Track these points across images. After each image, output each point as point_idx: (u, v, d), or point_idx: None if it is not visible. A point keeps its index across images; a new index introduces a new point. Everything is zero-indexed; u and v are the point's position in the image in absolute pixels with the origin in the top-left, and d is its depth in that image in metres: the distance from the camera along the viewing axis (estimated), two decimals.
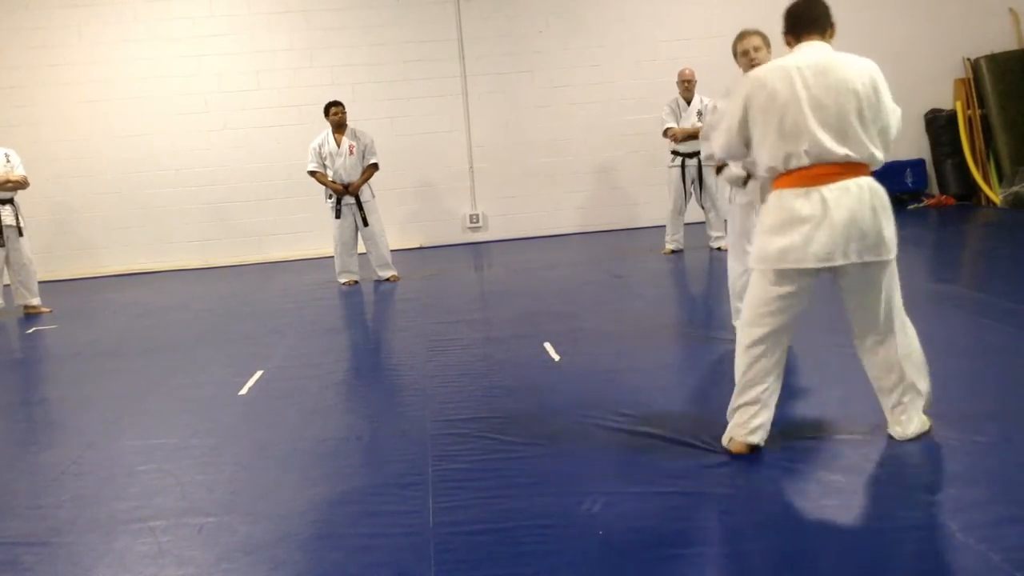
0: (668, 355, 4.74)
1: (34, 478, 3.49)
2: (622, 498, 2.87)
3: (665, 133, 8.05)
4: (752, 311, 3.08)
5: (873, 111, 2.96)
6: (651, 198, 9.76)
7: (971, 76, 10.23)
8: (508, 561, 2.50)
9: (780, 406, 3.21)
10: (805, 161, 2.93)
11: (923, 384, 3.14)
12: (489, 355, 4.96)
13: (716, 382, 4.12)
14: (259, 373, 4.88)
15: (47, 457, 3.76)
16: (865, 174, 2.99)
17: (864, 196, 2.94)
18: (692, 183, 8.09)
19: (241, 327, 6.42)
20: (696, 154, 7.94)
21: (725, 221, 8.06)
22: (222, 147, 9.89)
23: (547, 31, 10.12)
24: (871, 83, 2.98)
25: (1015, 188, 9.47)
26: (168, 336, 6.28)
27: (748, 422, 3.12)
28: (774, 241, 2.97)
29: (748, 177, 4.44)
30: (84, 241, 9.87)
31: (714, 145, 3.40)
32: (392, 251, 8.17)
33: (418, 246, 10.19)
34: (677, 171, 8.15)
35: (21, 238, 7.42)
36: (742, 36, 4.40)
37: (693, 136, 7.84)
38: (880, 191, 3.00)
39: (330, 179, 7.82)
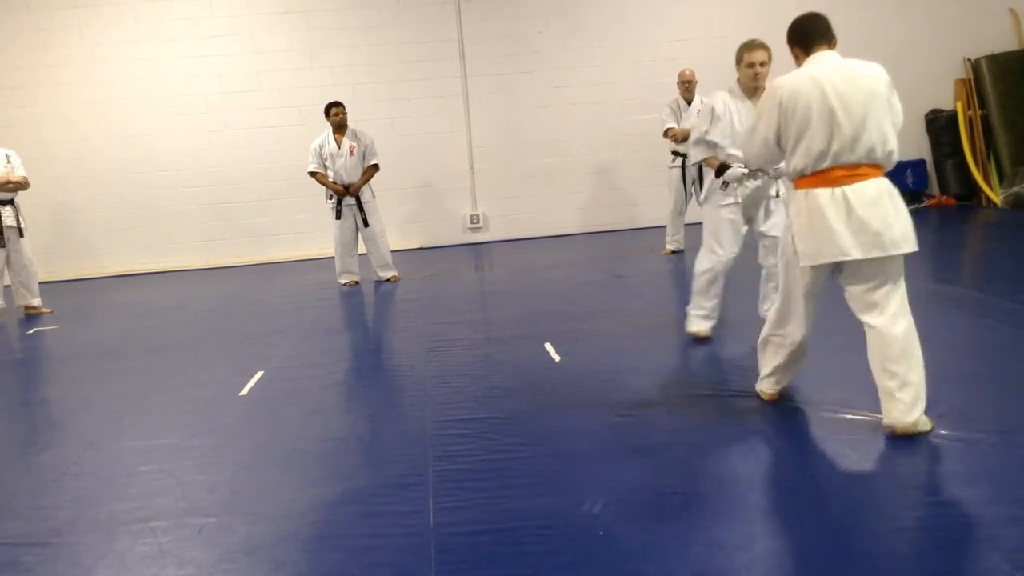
0: (668, 356, 4.73)
1: (35, 478, 3.50)
2: (623, 499, 2.87)
3: (665, 134, 8.05)
4: (786, 302, 3.43)
5: (888, 113, 3.23)
6: (651, 198, 9.78)
7: (971, 76, 10.23)
8: (509, 561, 2.50)
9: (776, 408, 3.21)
10: (832, 163, 3.16)
11: (916, 376, 3.21)
12: (489, 356, 4.96)
13: (715, 381, 4.12)
14: (260, 374, 4.88)
15: (48, 457, 3.76)
16: (882, 175, 3.25)
17: (884, 196, 3.20)
18: (692, 183, 8.08)
19: (242, 328, 6.42)
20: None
21: None
22: (223, 148, 9.89)
23: (547, 31, 10.13)
24: (887, 86, 3.25)
25: (1015, 188, 9.47)
26: (169, 336, 6.29)
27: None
28: (807, 239, 3.21)
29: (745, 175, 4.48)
30: (85, 242, 9.88)
31: (748, 155, 3.59)
32: (393, 252, 8.17)
33: (419, 247, 10.19)
34: (677, 172, 8.15)
35: (22, 239, 7.42)
36: (751, 47, 4.41)
37: None
38: (896, 191, 3.25)
39: (331, 180, 7.82)
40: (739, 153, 4.31)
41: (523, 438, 3.53)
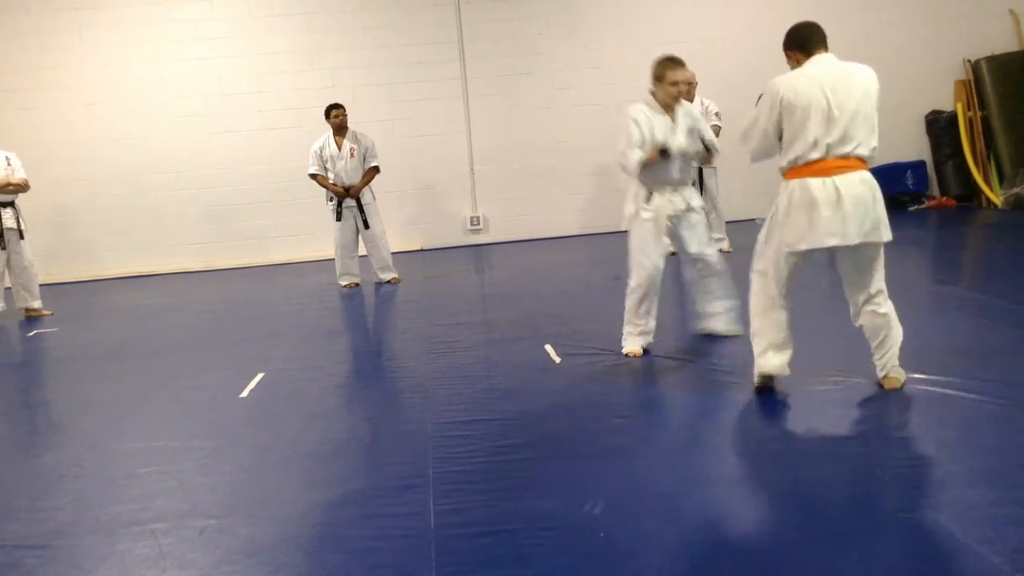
0: (668, 356, 4.73)
1: (35, 480, 3.50)
2: (624, 500, 2.87)
3: None
4: (776, 282, 3.67)
5: (874, 111, 3.50)
6: None
7: (971, 77, 10.23)
8: (509, 563, 2.50)
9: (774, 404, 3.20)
10: (825, 154, 3.45)
11: (898, 339, 3.70)
12: (490, 357, 4.96)
13: (716, 381, 4.12)
14: (260, 375, 4.88)
15: (48, 459, 3.76)
16: (866, 168, 3.53)
17: (867, 187, 3.48)
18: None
19: (242, 329, 6.42)
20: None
21: (725, 223, 8.09)
22: (223, 149, 9.90)
23: (547, 33, 10.13)
24: (875, 88, 3.51)
25: (1016, 189, 9.47)
26: (169, 338, 6.29)
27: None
28: (795, 224, 3.51)
29: (651, 193, 4.52)
30: (85, 244, 9.88)
31: (747, 145, 3.77)
32: (393, 253, 8.17)
33: (419, 248, 10.19)
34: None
35: (22, 241, 7.42)
36: (676, 66, 4.48)
37: None
38: (876, 184, 3.54)
39: (331, 182, 7.82)
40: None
41: (524, 439, 3.53)
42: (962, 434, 3.21)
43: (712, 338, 4.86)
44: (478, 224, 10.31)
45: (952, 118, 10.18)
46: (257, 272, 9.57)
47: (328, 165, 7.83)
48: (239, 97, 9.85)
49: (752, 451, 3.27)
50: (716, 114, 7.93)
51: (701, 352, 4.68)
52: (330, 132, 7.89)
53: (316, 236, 9.58)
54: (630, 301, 4.68)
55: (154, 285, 9.21)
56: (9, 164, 7.35)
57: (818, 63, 3.54)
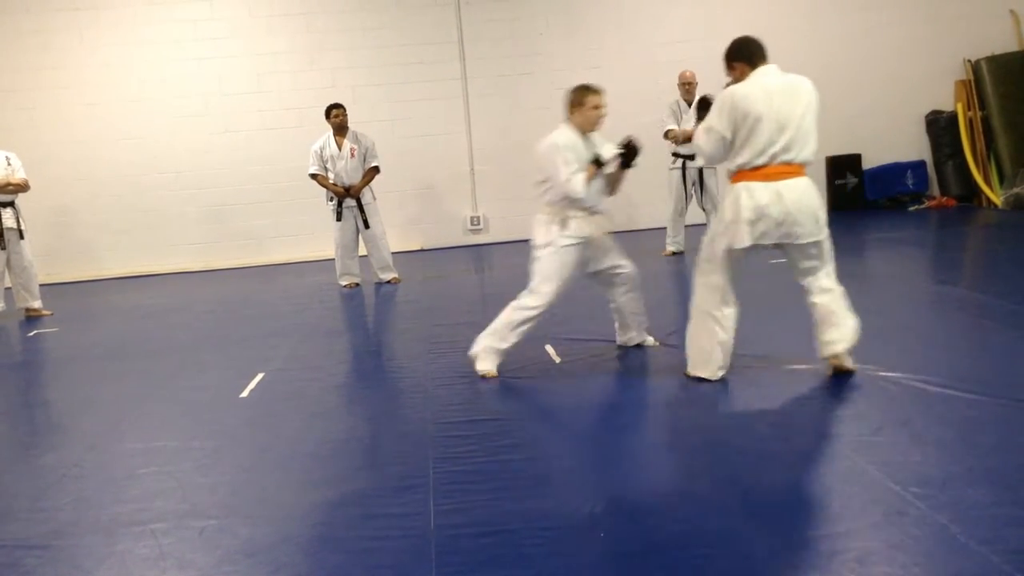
0: (668, 357, 4.73)
1: (35, 481, 3.50)
2: (624, 500, 2.87)
3: (666, 135, 8.06)
4: (721, 276, 3.91)
5: (815, 120, 3.75)
6: (651, 200, 9.76)
7: (972, 77, 10.23)
8: (510, 563, 2.50)
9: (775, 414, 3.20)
10: (770, 161, 3.69)
11: (852, 323, 3.89)
12: None
13: (716, 383, 4.12)
14: (260, 376, 4.88)
15: (48, 460, 3.76)
16: (805, 174, 3.78)
17: (809, 191, 3.76)
18: (693, 185, 8.10)
19: (242, 330, 6.42)
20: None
21: None
22: (223, 149, 9.90)
23: (547, 33, 10.13)
24: (816, 98, 3.77)
25: (1016, 189, 9.46)
26: (169, 339, 6.29)
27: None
28: (742, 226, 3.73)
29: (568, 220, 4.48)
30: (85, 244, 9.88)
31: (702, 150, 4.01)
32: (393, 253, 8.17)
33: (419, 248, 10.19)
34: (678, 173, 8.15)
35: (22, 241, 7.42)
36: (595, 92, 4.55)
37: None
38: (815, 188, 3.81)
39: (331, 182, 7.82)
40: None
41: (524, 440, 3.53)
42: (962, 434, 3.21)
43: None
44: (478, 224, 10.31)
45: (952, 118, 10.18)
46: (257, 272, 9.57)
47: (328, 165, 7.83)
48: (239, 97, 9.85)
49: (755, 453, 3.27)
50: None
51: None
52: (330, 132, 7.89)
53: (316, 236, 9.58)
54: (516, 318, 4.51)
55: (154, 285, 9.21)
56: (9, 164, 7.35)
57: (764, 74, 3.77)
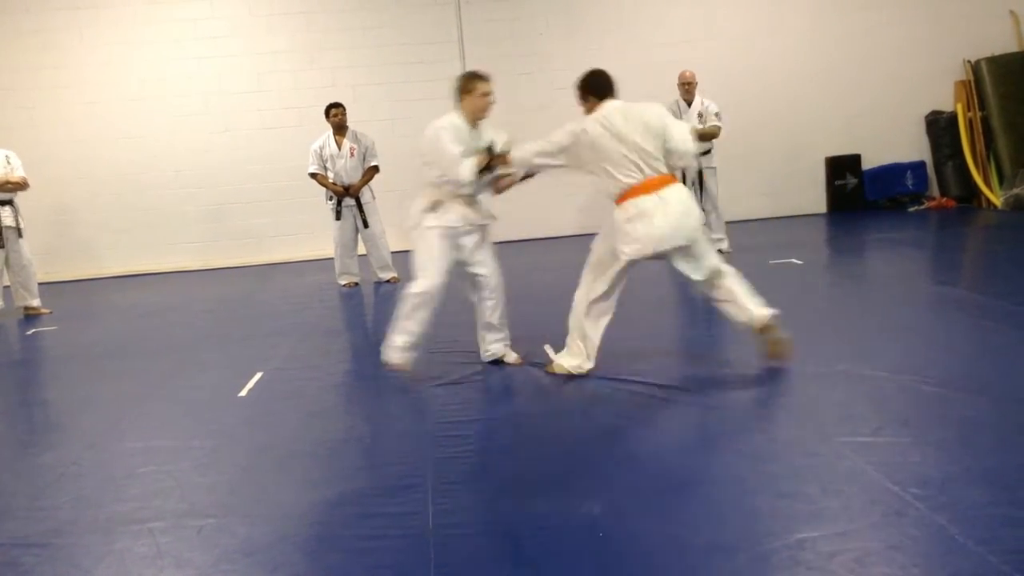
0: (667, 358, 4.73)
1: (34, 479, 3.49)
2: (622, 500, 2.87)
3: None
4: (607, 282, 4.28)
5: (663, 139, 4.12)
6: None
7: (971, 78, 10.23)
8: (508, 563, 2.50)
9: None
10: (647, 176, 4.07)
11: (754, 303, 4.20)
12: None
13: (716, 381, 4.12)
14: (259, 375, 4.88)
15: (47, 458, 3.76)
16: (676, 181, 4.19)
17: (684, 197, 4.15)
18: (692, 185, 8.08)
19: (241, 329, 6.42)
20: (696, 156, 7.94)
21: (726, 223, 8.10)
22: (223, 148, 9.90)
23: (547, 33, 10.13)
24: (661, 120, 4.16)
25: (1016, 190, 9.47)
26: (168, 338, 6.28)
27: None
28: (634, 235, 4.07)
29: (442, 203, 4.47)
30: (84, 242, 9.88)
31: (542, 160, 4.42)
32: (392, 253, 8.16)
33: None
34: (678, 174, 8.13)
35: (21, 239, 7.42)
36: (485, 79, 4.61)
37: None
38: (688, 191, 4.29)
39: (331, 181, 7.82)
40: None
41: (522, 439, 3.53)
42: (961, 434, 3.21)
43: (726, 341, 4.85)
44: None
45: (952, 119, 10.19)
46: (256, 271, 9.57)
47: (328, 164, 7.83)
48: (239, 96, 9.85)
49: (753, 448, 3.26)
50: (716, 114, 7.93)
51: (704, 351, 4.68)
52: (330, 131, 7.89)
53: (315, 235, 9.58)
54: (410, 304, 4.52)
55: (153, 284, 9.21)
56: (8, 162, 7.35)
57: (616, 106, 4.18)
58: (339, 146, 7.82)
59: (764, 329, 4.16)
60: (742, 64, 9.97)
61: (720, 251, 7.96)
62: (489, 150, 4.45)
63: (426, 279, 4.48)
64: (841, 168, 10.38)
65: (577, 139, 4.20)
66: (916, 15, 10.27)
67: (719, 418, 3.72)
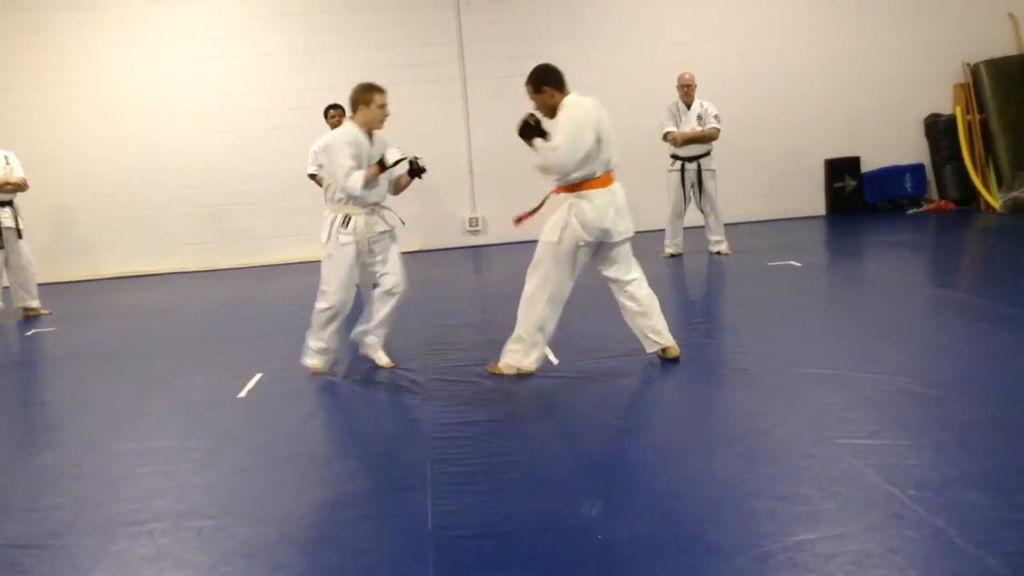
0: (664, 360, 4.73)
1: (33, 480, 3.49)
2: (621, 502, 2.87)
3: (665, 137, 8.05)
4: (561, 272, 4.50)
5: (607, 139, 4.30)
6: (650, 202, 9.74)
7: (970, 81, 10.24)
8: (507, 564, 2.50)
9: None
10: (604, 169, 4.34)
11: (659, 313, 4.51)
12: (488, 358, 4.94)
13: (714, 383, 4.12)
14: (258, 376, 4.88)
15: (46, 459, 3.76)
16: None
17: (622, 193, 4.45)
18: (692, 187, 8.09)
19: (240, 330, 6.42)
20: (696, 158, 7.97)
21: (725, 225, 8.10)
22: (221, 149, 9.89)
23: (547, 34, 10.12)
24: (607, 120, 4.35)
25: (1014, 193, 9.47)
26: (167, 338, 6.28)
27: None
28: (589, 224, 4.34)
29: (348, 217, 4.63)
30: (83, 243, 9.87)
31: (567, 163, 4.35)
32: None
33: (417, 249, 10.18)
34: (677, 175, 8.15)
35: (20, 240, 7.41)
36: (381, 91, 4.68)
37: (693, 140, 7.88)
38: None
39: None
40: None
41: (521, 441, 3.53)
42: (959, 437, 3.21)
43: (705, 340, 4.85)
44: (477, 225, 10.31)
45: (951, 121, 10.19)
46: (256, 272, 9.57)
47: None
48: (239, 97, 9.85)
49: (751, 450, 3.27)
50: (715, 116, 7.93)
51: (702, 353, 4.69)
52: (329, 132, 7.88)
53: (315, 236, 9.45)
54: (319, 320, 4.73)
55: (153, 285, 9.20)
56: (8, 163, 7.34)
57: (577, 98, 4.32)
58: None
59: (660, 352, 4.49)
60: (742, 66, 9.98)
61: (719, 253, 8.00)
62: (381, 163, 4.61)
63: (330, 296, 4.70)
64: (840, 170, 10.38)
65: (589, 124, 4.31)
66: (915, 18, 10.27)
67: (717, 419, 3.73)
